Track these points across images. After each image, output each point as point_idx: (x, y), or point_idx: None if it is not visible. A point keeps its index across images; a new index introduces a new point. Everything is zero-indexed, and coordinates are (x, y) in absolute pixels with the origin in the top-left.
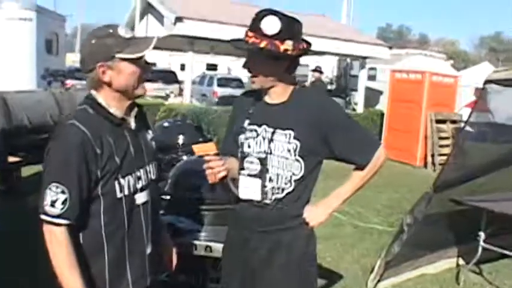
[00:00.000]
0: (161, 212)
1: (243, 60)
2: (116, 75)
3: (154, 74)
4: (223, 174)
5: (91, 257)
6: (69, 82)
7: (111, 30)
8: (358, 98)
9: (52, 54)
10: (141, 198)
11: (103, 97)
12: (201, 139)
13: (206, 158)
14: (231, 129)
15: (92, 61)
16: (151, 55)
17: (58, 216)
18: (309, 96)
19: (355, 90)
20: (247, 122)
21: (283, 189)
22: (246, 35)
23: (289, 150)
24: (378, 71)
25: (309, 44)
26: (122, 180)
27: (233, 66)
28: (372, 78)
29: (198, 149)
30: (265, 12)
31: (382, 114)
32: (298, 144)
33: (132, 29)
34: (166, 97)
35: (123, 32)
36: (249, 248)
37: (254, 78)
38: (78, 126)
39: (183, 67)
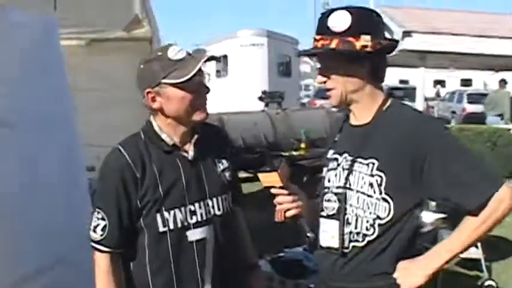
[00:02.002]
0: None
1: (500, 74)
2: (166, 102)
3: (402, 91)
4: (292, 212)
5: None
6: (318, 102)
7: (160, 53)
8: None
9: (284, 76)
10: (195, 234)
11: (158, 123)
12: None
13: (273, 190)
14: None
15: (141, 87)
16: (400, 72)
17: (98, 242)
18: (400, 115)
19: None
20: (331, 151)
21: (364, 236)
22: (314, 40)
23: (371, 185)
24: None
25: (393, 40)
26: (165, 213)
27: (490, 80)
28: None
29: (264, 178)
30: (332, 9)
31: None
32: (384, 178)
33: None
34: None
35: (172, 53)
36: None
37: (330, 91)
38: (120, 151)
39: (436, 83)
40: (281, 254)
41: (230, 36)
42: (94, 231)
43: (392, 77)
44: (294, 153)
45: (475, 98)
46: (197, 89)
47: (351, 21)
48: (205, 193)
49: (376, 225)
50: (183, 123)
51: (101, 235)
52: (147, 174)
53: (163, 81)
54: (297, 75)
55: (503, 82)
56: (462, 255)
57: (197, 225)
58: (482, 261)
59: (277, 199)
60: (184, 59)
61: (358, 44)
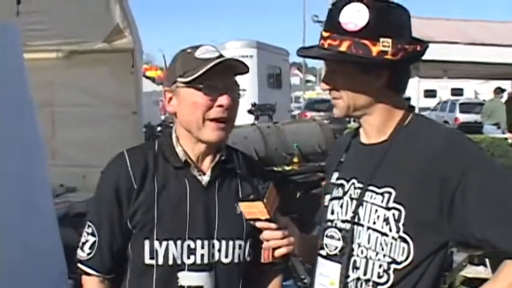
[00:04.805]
0: None
1: (491, 83)
2: (178, 105)
3: None
4: (282, 251)
5: None
6: (308, 114)
7: (189, 50)
8: None
9: (275, 88)
10: (188, 279)
11: (177, 132)
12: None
13: (257, 224)
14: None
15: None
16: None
17: (84, 263)
18: (425, 131)
19: None
20: (336, 175)
21: (375, 284)
22: (321, 37)
23: (386, 221)
24: None
25: (422, 43)
26: (156, 243)
27: (481, 89)
28: None
29: (246, 209)
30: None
31: None
32: (403, 212)
33: None
34: None
35: (201, 51)
36: None
37: (336, 100)
38: (125, 157)
39: (426, 93)
40: None
41: (219, 48)
42: (82, 249)
43: None
44: (286, 168)
45: (467, 108)
46: (215, 96)
47: (368, 18)
48: (213, 230)
49: (391, 271)
50: (195, 138)
51: (88, 254)
52: (145, 188)
53: (179, 79)
54: (288, 86)
55: (499, 90)
56: (470, 275)
57: (194, 267)
58: None
59: (263, 235)
60: (210, 60)
61: (375, 49)
